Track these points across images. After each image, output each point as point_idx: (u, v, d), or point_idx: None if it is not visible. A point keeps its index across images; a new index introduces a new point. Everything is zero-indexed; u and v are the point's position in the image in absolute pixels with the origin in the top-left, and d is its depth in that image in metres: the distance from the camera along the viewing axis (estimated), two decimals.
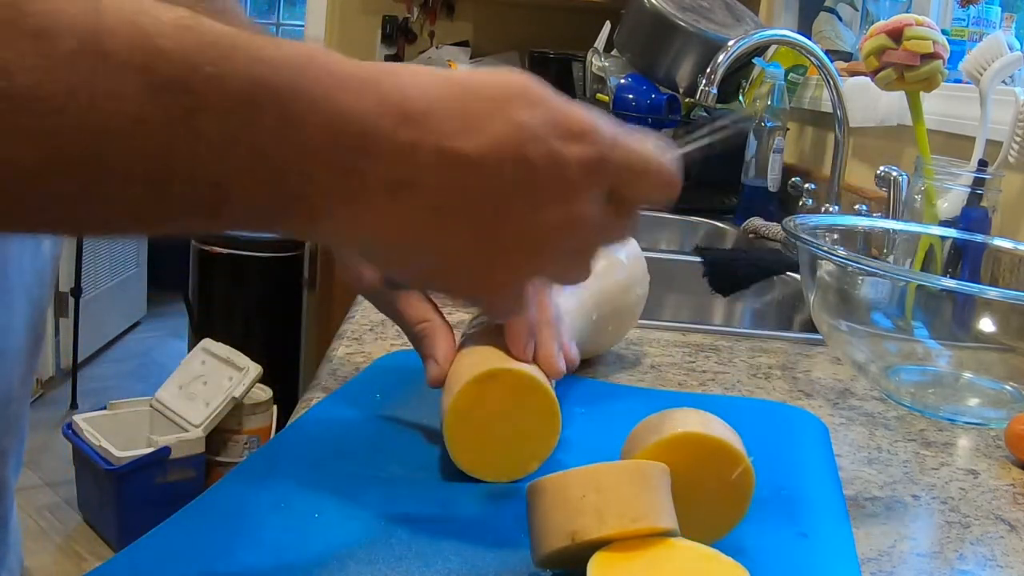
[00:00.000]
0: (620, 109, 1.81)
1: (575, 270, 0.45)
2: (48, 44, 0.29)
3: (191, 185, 0.33)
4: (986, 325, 0.77)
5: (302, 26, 3.70)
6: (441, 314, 0.58)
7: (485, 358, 0.55)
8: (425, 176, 0.37)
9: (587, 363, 0.80)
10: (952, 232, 0.98)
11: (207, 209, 0.35)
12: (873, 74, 1.10)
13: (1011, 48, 1.06)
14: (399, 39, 3.44)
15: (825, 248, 0.79)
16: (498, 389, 0.53)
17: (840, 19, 2.01)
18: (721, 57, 1.37)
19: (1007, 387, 0.78)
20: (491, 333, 0.57)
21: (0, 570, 0.59)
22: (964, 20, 1.46)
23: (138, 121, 0.31)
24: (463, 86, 0.39)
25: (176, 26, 0.32)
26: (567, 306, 0.66)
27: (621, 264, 0.76)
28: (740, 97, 1.86)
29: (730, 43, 1.39)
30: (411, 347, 0.60)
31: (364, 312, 0.88)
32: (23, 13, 0.29)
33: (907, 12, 1.49)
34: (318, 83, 0.35)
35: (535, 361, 0.56)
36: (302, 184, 0.35)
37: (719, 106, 1.75)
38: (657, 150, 0.44)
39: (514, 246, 0.41)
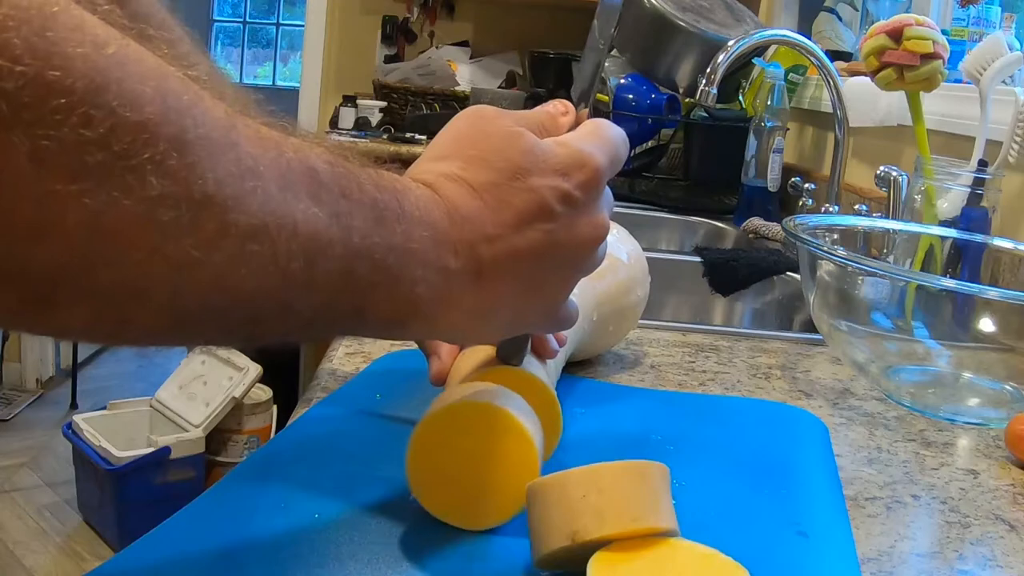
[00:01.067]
0: (620, 109, 1.81)
1: (597, 263, 0.51)
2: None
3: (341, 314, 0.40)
4: (986, 325, 0.77)
5: (302, 26, 3.70)
6: None
7: (479, 357, 0.55)
8: (486, 264, 0.44)
9: (587, 363, 0.80)
10: (952, 232, 0.98)
11: (350, 328, 0.45)
12: (873, 74, 1.10)
13: (1011, 48, 1.06)
14: (399, 39, 3.44)
15: (825, 248, 0.79)
16: (466, 424, 0.48)
17: (840, 19, 2.01)
18: (721, 57, 1.37)
19: (1007, 387, 0.78)
20: None
21: None
22: (964, 20, 1.46)
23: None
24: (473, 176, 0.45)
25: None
26: None
27: (623, 264, 0.76)
28: (740, 97, 1.86)
29: (730, 43, 1.39)
30: (411, 347, 0.60)
31: None
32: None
33: (907, 12, 1.49)
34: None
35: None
36: (413, 287, 0.41)
37: (719, 106, 1.75)
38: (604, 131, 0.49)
39: (566, 277, 0.48)
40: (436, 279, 0.42)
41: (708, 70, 1.38)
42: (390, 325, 0.42)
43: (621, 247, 0.78)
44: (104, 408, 2.46)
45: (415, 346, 0.79)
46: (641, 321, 0.96)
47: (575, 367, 0.77)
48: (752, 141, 1.65)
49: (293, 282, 0.36)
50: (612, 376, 0.78)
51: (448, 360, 0.57)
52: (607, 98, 1.86)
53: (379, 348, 0.79)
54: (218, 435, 2.33)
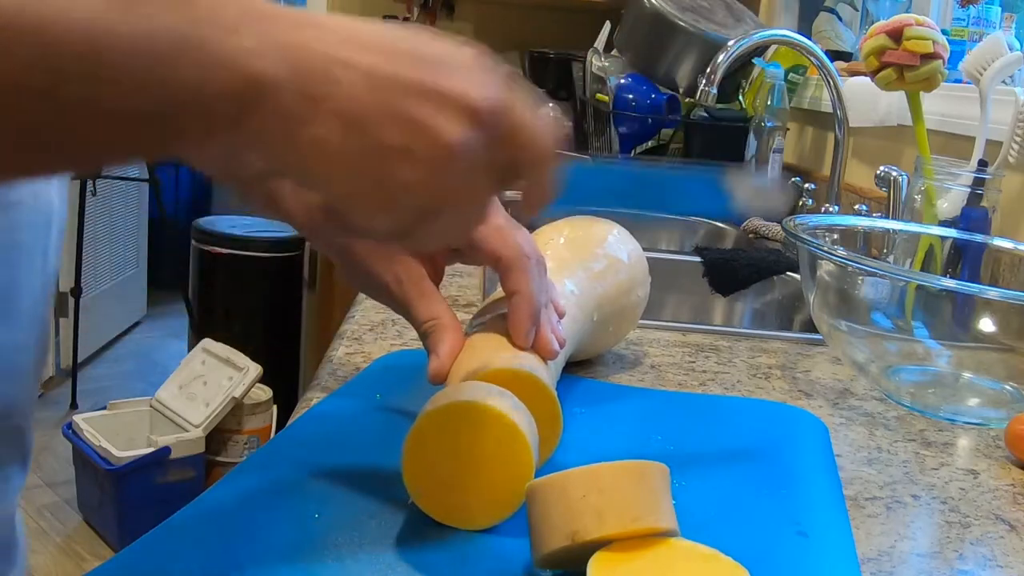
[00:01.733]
0: (620, 109, 1.81)
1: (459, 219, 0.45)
2: None
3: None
4: (986, 325, 0.77)
5: None
6: (451, 312, 0.59)
7: (479, 356, 0.55)
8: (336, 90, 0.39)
9: (587, 363, 0.80)
10: (952, 232, 0.98)
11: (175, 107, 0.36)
12: (873, 74, 1.10)
13: (1011, 48, 1.06)
14: None
15: (825, 248, 0.79)
16: (459, 425, 0.48)
17: (840, 19, 2.01)
18: (721, 57, 1.37)
19: (1007, 387, 0.78)
20: (495, 325, 0.57)
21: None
22: (964, 20, 1.46)
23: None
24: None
25: None
26: (568, 307, 0.66)
27: (623, 265, 0.76)
28: (740, 97, 1.86)
29: (730, 43, 1.39)
30: (411, 347, 0.60)
31: (364, 312, 0.88)
32: None
33: (907, 12, 1.49)
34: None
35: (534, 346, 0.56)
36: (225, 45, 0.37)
37: (719, 106, 1.75)
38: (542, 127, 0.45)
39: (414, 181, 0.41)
40: (266, 47, 0.37)
41: (708, 70, 1.38)
42: (214, 114, 0.37)
43: (622, 247, 0.78)
44: (104, 408, 2.46)
45: (415, 346, 0.79)
46: (641, 321, 0.96)
47: (575, 367, 0.77)
48: (752, 141, 1.65)
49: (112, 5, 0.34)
50: (612, 376, 0.78)
51: (448, 359, 0.57)
52: (607, 98, 1.86)
53: (379, 348, 0.79)
54: (218, 435, 2.33)
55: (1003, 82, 1.10)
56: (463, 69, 0.42)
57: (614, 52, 1.98)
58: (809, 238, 0.81)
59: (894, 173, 1.18)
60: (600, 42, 2.26)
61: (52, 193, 0.56)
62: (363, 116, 0.39)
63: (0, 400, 0.54)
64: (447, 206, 0.43)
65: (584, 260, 0.73)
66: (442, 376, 0.56)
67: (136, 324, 4.13)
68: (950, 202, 1.05)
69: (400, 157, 0.40)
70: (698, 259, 1.38)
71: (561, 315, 0.64)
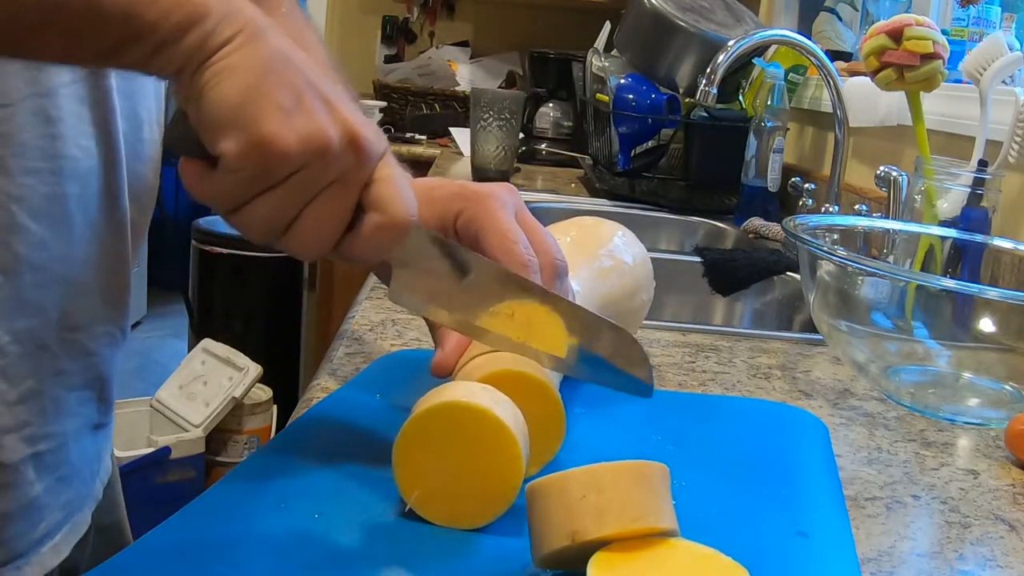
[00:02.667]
0: (620, 109, 1.81)
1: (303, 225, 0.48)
2: None
3: None
4: (986, 325, 0.77)
5: None
6: None
7: (484, 357, 0.55)
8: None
9: None
10: (952, 232, 0.98)
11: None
12: (873, 74, 1.10)
13: (1011, 48, 1.06)
14: (399, 39, 3.44)
15: (825, 248, 0.79)
16: (449, 424, 0.48)
17: (840, 19, 2.01)
18: (721, 57, 1.37)
19: (1007, 387, 0.78)
20: None
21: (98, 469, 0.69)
22: (964, 20, 1.46)
23: None
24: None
25: None
26: None
27: (627, 267, 0.76)
28: (740, 97, 1.86)
29: (730, 43, 1.39)
30: (411, 347, 0.60)
31: (364, 312, 0.88)
32: None
33: (907, 12, 1.49)
34: None
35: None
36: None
37: (719, 106, 1.75)
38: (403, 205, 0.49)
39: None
40: None
41: (708, 70, 1.38)
42: (157, 30, 0.44)
43: (627, 250, 0.77)
44: None
45: (415, 346, 0.79)
46: (642, 320, 0.96)
47: None
48: (752, 141, 1.65)
49: None
50: None
51: (452, 354, 0.57)
52: (607, 98, 1.86)
53: (379, 348, 0.79)
54: (218, 435, 2.33)
55: (1003, 82, 1.10)
56: (361, 115, 0.48)
57: (614, 52, 1.98)
58: (809, 238, 0.81)
59: (894, 173, 1.18)
60: (600, 42, 2.26)
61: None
62: (270, 70, 0.46)
63: (60, 303, 0.58)
64: (291, 189, 0.46)
65: (589, 260, 0.73)
66: (444, 369, 0.56)
67: (136, 324, 4.13)
68: (950, 202, 1.05)
69: (276, 112, 0.45)
70: (698, 259, 1.38)
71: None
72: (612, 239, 0.77)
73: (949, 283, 0.74)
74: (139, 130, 0.65)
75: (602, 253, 0.75)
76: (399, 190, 0.49)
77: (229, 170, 0.46)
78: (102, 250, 0.61)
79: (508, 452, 0.48)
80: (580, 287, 0.70)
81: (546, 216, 1.74)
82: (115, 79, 0.60)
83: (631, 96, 1.81)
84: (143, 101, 0.65)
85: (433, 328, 0.59)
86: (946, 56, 1.08)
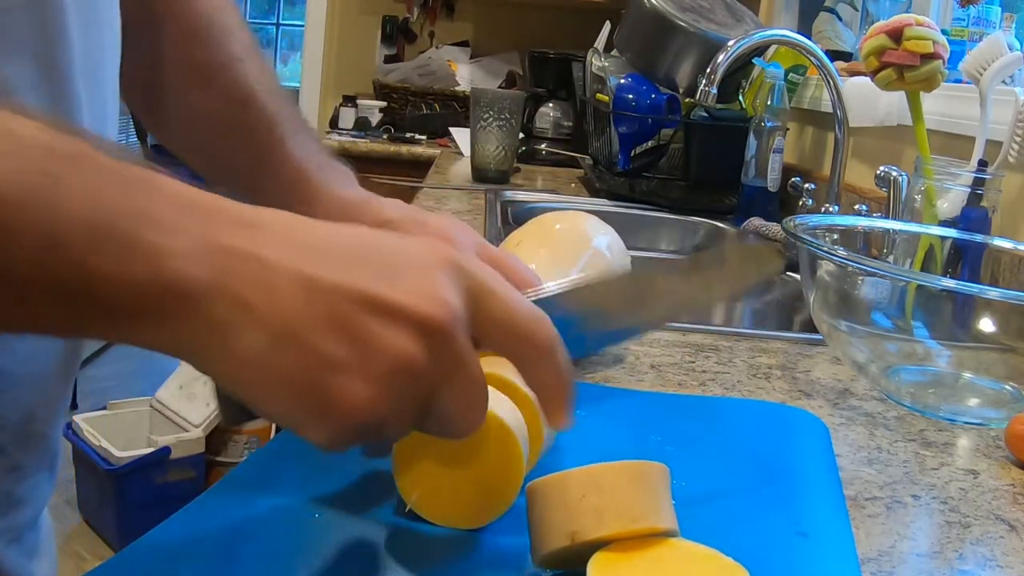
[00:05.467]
0: (620, 109, 1.81)
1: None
2: None
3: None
4: (986, 325, 0.77)
5: (302, 26, 3.70)
6: None
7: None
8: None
9: (587, 364, 0.80)
10: (952, 232, 0.98)
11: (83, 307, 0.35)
12: (873, 74, 1.10)
13: (1011, 48, 1.06)
14: (399, 39, 3.44)
15: (825, 248, 0.79)
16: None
17: (840, 19, 2.01)
18: (721, 57, 1.37)
19: (1007, 387, 0.78)
20: None
21: None
22: (964, 20, 1.46)
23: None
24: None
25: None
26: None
27: (603, 256, 0.75)
28: (740, 97, 1.86)
29: (730, 43, 1.39)
30: None
31: None
32: None
33: (907, 12, 1.49)
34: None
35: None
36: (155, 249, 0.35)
37: (719, 106, 1.75)
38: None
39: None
40: (195, 249, 0.35)
41: (708, 70, 1.38)
42: (135, 312, 0.35)
43: (602, 239, 0.76)
44: (104, 408, 2.46)
45: None
46: None
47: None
48: (752, 141, 1.65)
49: None
50: (612, 376, 0.78)
51: None
52: (607, 98, 1.86)
53: None
54: (218, 435, 2.33)
55: (1003, 82, 1.10)
56: (417, 274, 0.39)
57: (614, 52, 1.98)
58: (809, 238, 0.81)
59: (894, 173, 1.18)
60: (600, 42, 2.26)
61: None
62: (298, 326, 0.36)
63: (22, 404, 0.54)
64: (390, 421, 0.39)
65: (567, 267, 0.71)
66: None
67: None
68: (950, 202, 1.05)
69: (339, 370, 0.37)
70: None
71: None
72: (592, 243, 0.75)
73: (949, 283, 0.74)
74: None
75: (582, 261, 0.73)
76: (521, 313, 0.42)
77: (332, 446, 0.39)
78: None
79: (509, 452, 0.48)
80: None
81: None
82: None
83: (631, 96, 1.81)
84: (106, 111, 0.57)
85: None
86: (946, 56, 1.08)
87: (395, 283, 0.38)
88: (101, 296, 0.34)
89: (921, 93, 1.11)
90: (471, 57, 3.30)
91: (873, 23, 1.18)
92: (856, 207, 1.36)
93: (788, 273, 1.29)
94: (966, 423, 0.76)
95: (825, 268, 0.82)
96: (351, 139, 2.91)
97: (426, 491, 0.48)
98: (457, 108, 3.01)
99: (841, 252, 0.78)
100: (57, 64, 0.50)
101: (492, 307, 0.41)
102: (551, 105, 2.71)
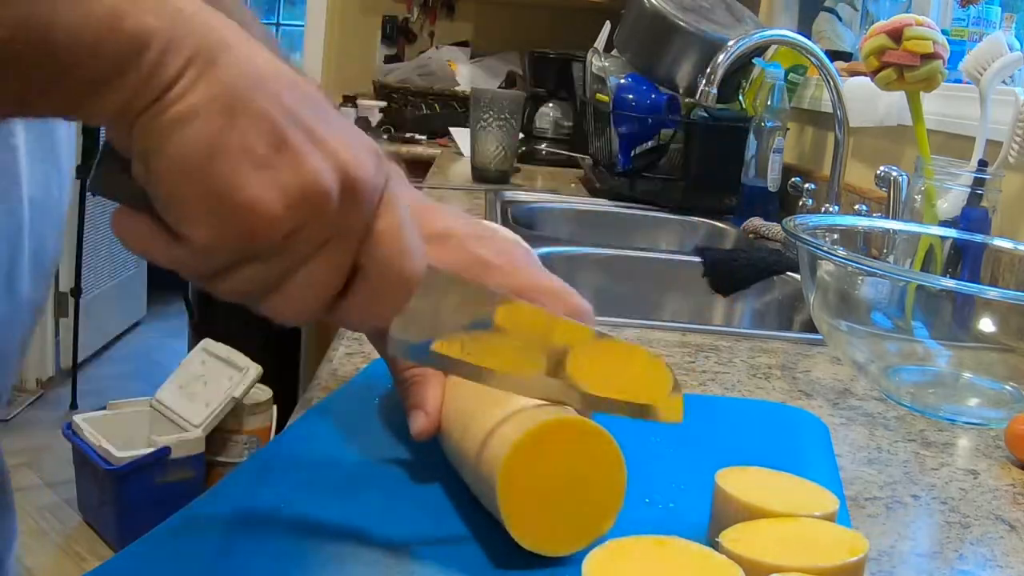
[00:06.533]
0: (620, 109, 1.81)
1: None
2: None
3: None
4: (986, 325, 0.77)
5: (302, 26, 3.70)
6: None
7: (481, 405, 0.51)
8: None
9: None
10: (952, 232, 0.98)
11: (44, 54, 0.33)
12: (873, 74, 1.10)
13: (1011, 48, 1.06)
14: (399, 39, 3.44)
15: (825, 248, 0.79)
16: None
17: (840, 19, 2.01)
18: (721, 57, 1.37)
19: (1007, 387, 0.78)
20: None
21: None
22: (964, 20, 1.46)
23: None
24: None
25: None
26: None
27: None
28: (740, 97, 1.86)
29: (730, 43, 1.39)
30: None
31: None
32: None
33: (907, 12, 1.49)
34: None
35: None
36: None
37: (719, 106, 1.75)
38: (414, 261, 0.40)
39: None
40: (156, 7, 0.34)
41: (708, 70, 1.38)
42: (88, 66, 0.34)
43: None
44: (104, 408, 2.46)
45: None
46: (641, 321, 0.96)
47: None
48: (752, 141, 1.65)
49: None
50: None
51: (435, 416, 0.53)
52: (607, 98, 1.86)
53: None
54: (218, 435, 2.33)
55: (1003, 82, 1.10)
56: (355, 138, 0.39)
57: (614, 52, 1.98)
58: (809, 238, 0.81)
59: (894, 173, 1.18)
60: (600, 42, 2.25)
61: (56, 182, 0.55)
62: (238, 105, 0.35)
63: None
64: (278, 256, 0.37)
65: None
66: (429, 433, 0.53)
67: (136, 324, 4.13)
68: (950, 202, 1.05)
69: (254, 165, 0.35)
70: (698, 259, 1.38)
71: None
72: None
73: (949, 283, 0.74)
74: (50, 201, 0.54)
75: None
76: (403, 245, 0.40)
77: (198, 251, 0.36)
78: None
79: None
80: None
81: (547, 216, 1.75)
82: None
83: (631, 96, 1.81)
84: (53, 155, 0.55)
85: (405, 385, 0.54)
86: (946, 56, 1.08)
87: (335, 131, 0.38)
88: (57, 50, 0.33)
89: (921, 93, 1.11)
90: (471, 57, 3.30)
91: (873, 23, 1.18)
92: (856, 207, 1.36)
93: (788, 273, 1.29)
94: (966, 423, 0.76)
95: (825, 268, 0.82)
96: None
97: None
98: (457, 108, 3.01)
99: (841, 252, 0.78)
100: None
101: (390, 217, 0.40)
102: (551, 105, 2.71)
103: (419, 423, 0.52)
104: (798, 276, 1.20)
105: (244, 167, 0.35)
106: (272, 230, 0.36)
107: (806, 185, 1.50)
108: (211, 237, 0.36)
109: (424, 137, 2.92)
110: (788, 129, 1.70)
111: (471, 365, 0.47)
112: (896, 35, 1.06)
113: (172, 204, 0.36)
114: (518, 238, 0.61)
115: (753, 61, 1.76)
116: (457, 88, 3.12)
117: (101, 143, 0.38)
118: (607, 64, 1.94)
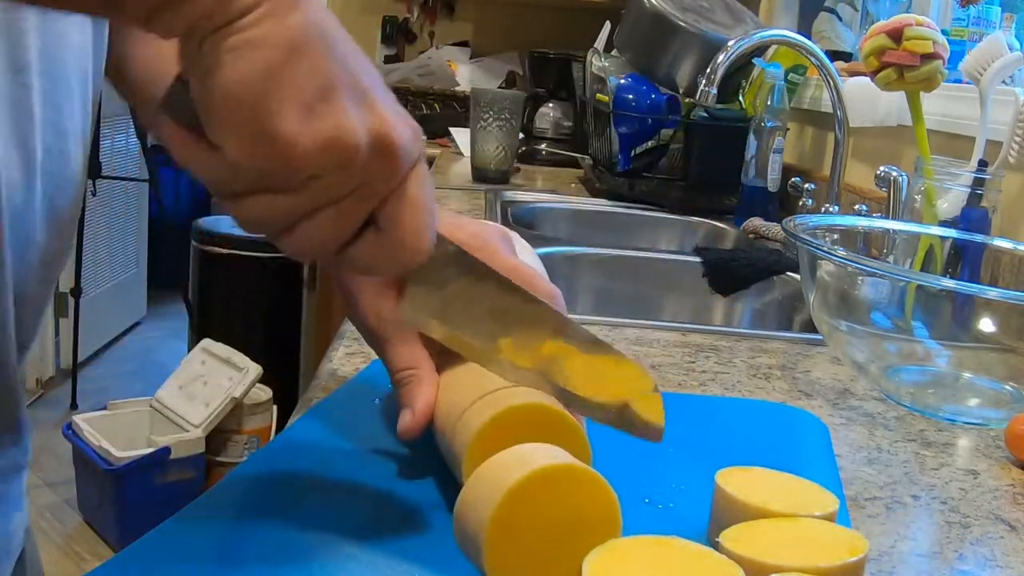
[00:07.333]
0: (620, 109, 1.81)
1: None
2: None
3: None
4: (986, 325, 0.77)
5: None
6: (430, 362, 0.54)
7: (473, 395, 0.51)
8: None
9: None
10: (952, 232, 0.98)
11: None
12: (873, 74, 1.10)
13: (1011, 48, 1.06)
14: (399, 39, 3.44)
15: (825, 248, 0.79)
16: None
17: (840, 19, 2.01)
18: (721, 57, 1.37)
19: (1007, 387, 0.78)
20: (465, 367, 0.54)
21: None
22: (964, 20, 1.46)
23: None
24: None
25: None
26: None
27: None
28: (740, 97, 1.86)
29: (730, 43, 1.39)
30: None
31: None
32: None
33: (907, 12, 1.49)
34: None
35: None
36: None
37: (719, 106, 1.75)
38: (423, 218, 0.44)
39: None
40: None
41: (708, 70, 1.38)
42: None
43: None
44: (104, 408, 2.46)
45: None
46: (641, 321, 0.96)
47: None
48: (752, 141, 1.65)
49: None
50: None
51: (423, 418, 0.52)
52: (607, 98, 1.86)
53: None
54: (218, 435, 2.33)
55: (1003, 82, 1.10)
56: (402, 112, 0.42)
57: (614, 52, 1.98)
58: (809, 238, 0.81)
59: (894, 173, 1.18)
60: (600, 42, 2.25)
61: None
62: (298, 48, 0.38)
63: None
64: (298, 194, 0.40)
65: None
66: (412, 434, 0.52)
67: (136, 324, 4.13)
68: (950, 202, 1.05)
69: (298, 107, 0.38)
70: (698, 259, 1.38)
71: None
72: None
73: (949, 283, 0.74)
74: (63, 149, 0.55)
75: None
76: (419, 214, 0.43)
77: (229, 163, 0.39)
78: None
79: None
80: None
81: (547, 216, 1.75)
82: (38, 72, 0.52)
83: (631, 96, 1.81)
84: (67, 108, 0.55)
85: (398, 385, 0.54)
86: (946, 56, 1.08)
87: (386, 101, 0.41)
88: None
89: (921, 93, 1.11)
90: (471, 57, 3.30)
91: (873, 23, 1.18)
92: (856, 207, 1.36)
93: (788, 273, 1.29)
94: (966, 423, 0.76)
95: (825, 268, 0.82)
96: None
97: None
98: (457, 108, 3.01)
99: (841, 252, 0.78)
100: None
101: (420, 183, 0.44)
102: (551, 105, 2.71)
103: (404, 422, 0.52)
104: (798, 276, 1.20)
105: (289, 104, 0.38)
106: (296, 166, 0.39)
107: (806, 185, 1.50)
108: (241, 153, 0.39)
109: (424, 137, 2.92)
110: (788, 129, 1.70)
111: (473, 346, 0.50)
112: (896, 35, 1.06)
113: (215, 116, 0.38)
114: (498, 225, 0.62)
115: (753, 61, 1.76)
116: (457, 88, 3.12)
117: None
118: (607, 64, 1.94)
